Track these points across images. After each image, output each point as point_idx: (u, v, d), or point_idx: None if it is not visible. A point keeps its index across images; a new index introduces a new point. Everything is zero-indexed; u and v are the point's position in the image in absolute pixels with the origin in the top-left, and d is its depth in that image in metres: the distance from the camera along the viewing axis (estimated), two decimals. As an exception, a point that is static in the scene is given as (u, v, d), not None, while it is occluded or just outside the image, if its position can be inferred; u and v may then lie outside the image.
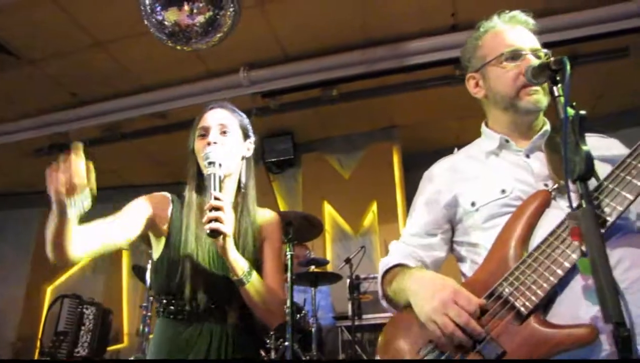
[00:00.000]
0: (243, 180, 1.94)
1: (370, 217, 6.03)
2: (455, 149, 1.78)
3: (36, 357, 5.52)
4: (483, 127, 1.69)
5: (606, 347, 1.16)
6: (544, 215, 1.37)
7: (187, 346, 1.70)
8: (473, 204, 1.54)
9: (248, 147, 1.98)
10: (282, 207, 6.31)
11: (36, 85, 5.11)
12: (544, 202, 1.38)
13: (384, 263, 1.66)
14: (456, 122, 6.02)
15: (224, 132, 1.88)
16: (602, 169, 1.29)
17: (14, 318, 6.71)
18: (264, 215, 1.99)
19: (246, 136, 1.98)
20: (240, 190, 1.94)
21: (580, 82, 5.08)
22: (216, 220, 1.61)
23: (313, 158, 6.44)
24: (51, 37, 4.46)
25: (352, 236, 6.00)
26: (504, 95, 1.58)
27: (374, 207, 6.02)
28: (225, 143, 1.86)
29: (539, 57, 1.53)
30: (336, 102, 5.37)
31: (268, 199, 6.29)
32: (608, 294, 0.98)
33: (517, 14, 1.64)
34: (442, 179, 1.68)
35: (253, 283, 1.72)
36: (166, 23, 2.88)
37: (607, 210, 1.23)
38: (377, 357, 1.45)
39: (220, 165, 1.74)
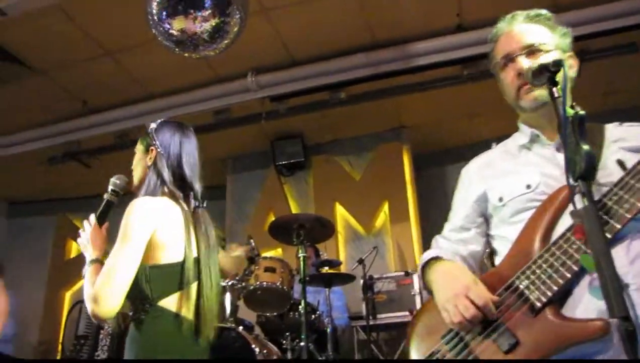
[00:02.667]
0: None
1: (382, 217, 6.01)
2: (493, 144, 1.80)
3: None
4: (519, 121, 1.70)
5: (615, 342, 1.17)
6: (566, 210, 1.38)
7: None
8: (501, 199, 1.57)
9: (150, 156, 2.06)
10: (294, 209, 6.33)
11: (47, 94, 5.20)
12: (568, 197, 1.37)
13: (423, 257, 1.74)
14: (465, 121, 6.01)
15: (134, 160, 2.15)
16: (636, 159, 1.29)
17: (34, 323, 6.80)
18: None
19: (147, 149, 2.09)
20: None
21: (589, 79, 5.06)
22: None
23: (323, 160, 6.44)
24: (61, 47, 4.53)
25: (365, 236, 5.99)
26: (510, 99, 1.63)
27: (386, 207, 6.00)
28: (133, 168, 2.14)
29: (534, 52, 1.54)
30: (344, 104, 5.37)
31: (280, 202, 6.34)
32: (612, 290, 1.00)
33: (517, 13, 1.65)
34: (476, 175, 1.73)
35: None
36: (173, 31, 2.92)
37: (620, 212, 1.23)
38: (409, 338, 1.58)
39: (117, 194, 2.07)
